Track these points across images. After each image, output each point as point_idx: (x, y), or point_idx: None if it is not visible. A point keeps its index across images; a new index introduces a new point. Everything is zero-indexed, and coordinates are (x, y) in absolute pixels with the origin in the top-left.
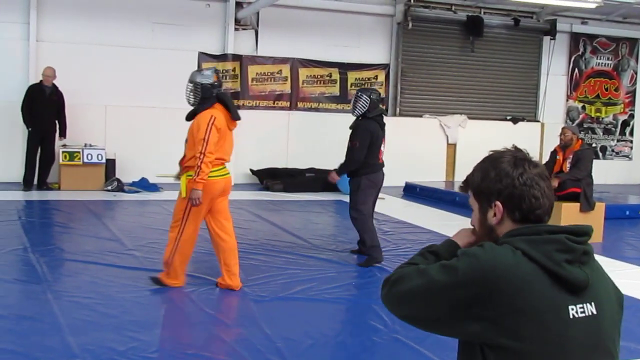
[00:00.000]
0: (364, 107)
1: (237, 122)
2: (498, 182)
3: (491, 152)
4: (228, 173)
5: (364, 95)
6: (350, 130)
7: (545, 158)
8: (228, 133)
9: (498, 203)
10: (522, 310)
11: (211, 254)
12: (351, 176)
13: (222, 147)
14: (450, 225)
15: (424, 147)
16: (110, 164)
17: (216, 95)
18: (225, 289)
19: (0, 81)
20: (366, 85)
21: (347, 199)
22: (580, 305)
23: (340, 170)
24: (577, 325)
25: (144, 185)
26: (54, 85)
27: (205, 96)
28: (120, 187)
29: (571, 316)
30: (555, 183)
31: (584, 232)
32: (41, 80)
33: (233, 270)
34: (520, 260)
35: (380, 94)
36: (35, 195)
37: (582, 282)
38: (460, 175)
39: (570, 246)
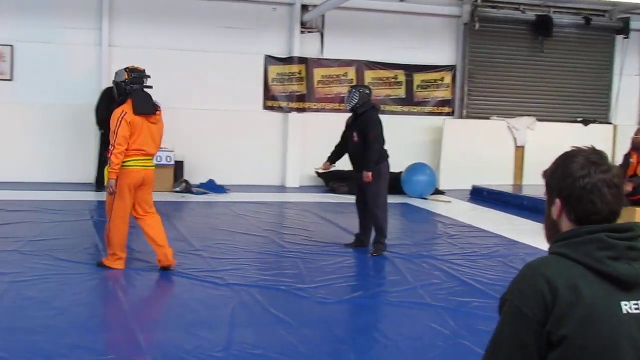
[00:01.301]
0: (354, 101)
1: (157, 115)
2: (562, 180)
3: (571, 149)
4: (149, 165)
5: (354, 90)
6: (349, 127)
7: (618, 161)
8: (146, 126)
9: (558, 201)
10: (575, 307)
11: (280, 257)
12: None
13: (137, 139)
14: (519, 229)
15: (492, 150)
16: (179, 166)
17: (130, 92)
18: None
19: (74, 85)
20: (432, 87)
21: (413, 202)
22: (635, 302)
23: (371, 166)
24: (632, 322)
25: (211, 187)
26: None
27: (120, 93)
28: (189, 189)
29: (624, 312)
30: (629, 187)
31: (627, 229)
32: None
33: (165, 247)
34: (566, 265)
35: (370, 89)
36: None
37: (631, 277)
38: (529, 179)
39: (611, 243)
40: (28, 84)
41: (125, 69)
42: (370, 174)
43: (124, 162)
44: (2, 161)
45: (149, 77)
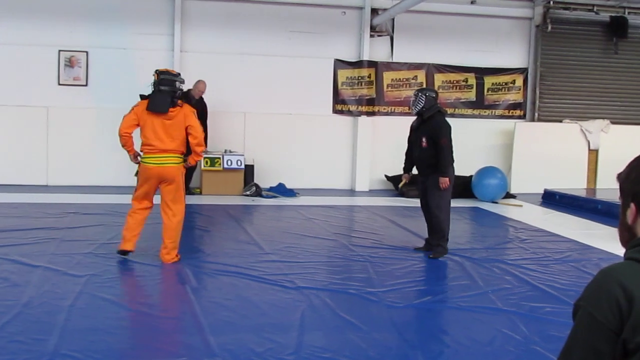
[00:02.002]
0: (421, 104)
1: (169, 112)
2: (636, 184)
3: None
4: (162, 162)
5: (420, 94)
6: (415, 131)
7: None
8: (157, 122)
9: (632, 205)
10: None
11: (350, 261)
12: (435, 173)
13: (147, 134)
14: (592, 234)
15: (564, 153)
16: (249, 170)
17: (154, 91)
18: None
19: (147, 90)
20: (503, 90)
21: (484, 205)
22: None
23: (447, 172)
24: None
25: (281, 190)
26: (200, 96)
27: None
28: (259, 192)
29: None
30: None
31: None
32: (189, 90)
33: (167, 245)
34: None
35: (437, 92)
36: None
37: None
38: (603, 183)
39: None
40: (102, 89)
41: (156, 71)
42: (447, 179)
43: (142, 157)
44: (77, 165)
45: (178, 78)
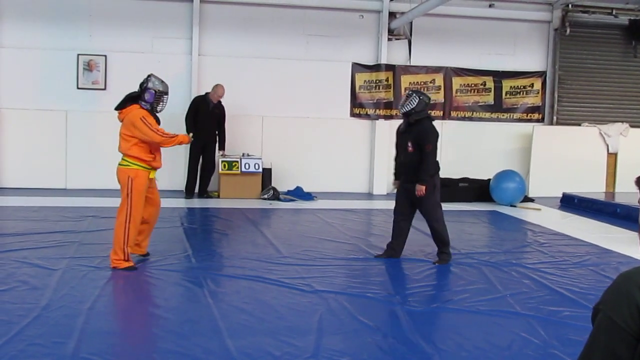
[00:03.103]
0: (411, 105)
1: (119, 112)
2: None
3: None
4: (119, 164)
5: (414, 94)
6: (402, 134)
7: None
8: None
9: None
10: None
11: (368, 264)
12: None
13: None
14: (611, 238)
15: (583, 157)
16: (266, 173)
17: None
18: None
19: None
20: (521, 93)
21: (502, 209)
22: None
23: (425, 180)
24: None
25: (298, 193)
26: (218, 100)
27: None
28: (276, 196)
29: None
30: None
31: None
32: (207, 93)
33: (140, 244)
34: None
35: (430, 98)
36: (196, 202)
37: None
38: (622, 186)
39: None
40: (120, 93)
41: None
42: (424, 187)
43: None
44: (96, 169)
45: (145, 79)
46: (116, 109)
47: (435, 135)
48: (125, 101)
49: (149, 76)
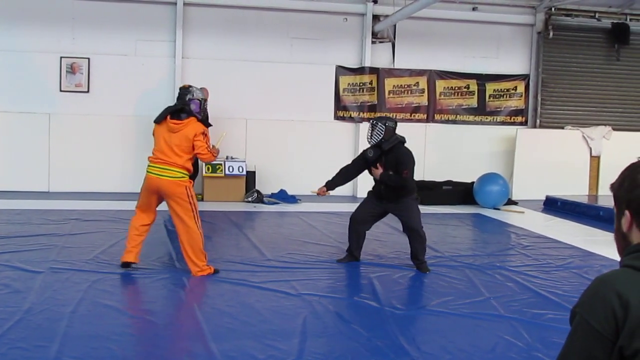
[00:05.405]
0: (380, 135)
1: (171, 123)
2: (630, 191)
3: (638, 159)
4: (162, 174)
5: (379, 124)
6: (373, 162)
7: None
8: (162, 134)
9: (627, 212)
10: None
11: (352, 267)
12: (403, 197)
13: (155, 145)
14: (594, 240)
15: (566, 160)
16: (250, 176)
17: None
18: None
19: (148, 96)
20: (504, 96)
21: (485, 212)
22: None
23: (395, 181)
24: None
25: (282, 196)
26: None
27: None
28: (260, 199)
29: None
30: None
31: None
32: None
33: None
34: (638, 278)
35: (396, 122)
36: None
37: None
38: (605, 189)
39: None
40: (103, 96)
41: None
42: (380, 172)
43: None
44: (79, 172)
45: (187, 91)
46: (156, 121)
47: (412, 161)
48: (169, 113)
49: (189, 87)
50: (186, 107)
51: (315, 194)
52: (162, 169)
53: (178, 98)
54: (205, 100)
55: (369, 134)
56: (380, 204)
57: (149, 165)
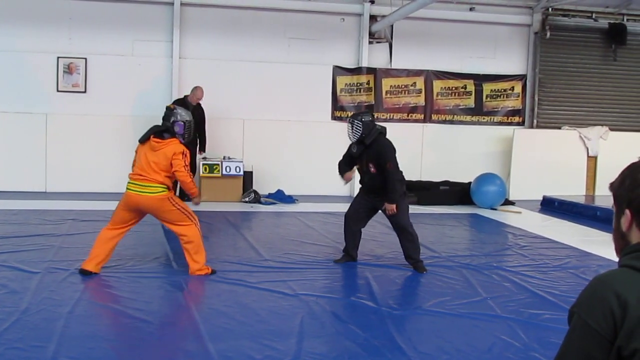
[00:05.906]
0: (359, 132)
1: (153, 142)
2: (630, 190)
3: (638, 159)
4: (143, 191)
5: (356, 121)
6: (358, 157)
7: None
8: (144, 152)
9: (627, 211)
10: None
11: (349, 267)
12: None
13: (137, 163)
14: (591, 241)
15: (563, 160)
16: (247, 176)
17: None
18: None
19: (145, 96)
20: (502, 97)
21: (483, 212)
22: None
23: (397, 198)
24: None
25: (279, 197)
26: (197, 102)
27: None
28: (257, 199)
29: None
30: None
31: None
32: (186, 96)
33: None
34: (636, 278)
35: (372, 115)
36: None
37: None
38: (602, 190)
39: None
40: (100, 96)
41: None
42: (394, 206)
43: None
44: (76, 172)
45: (172, 112)
46: (141, 141)
47: (392, 150)
48: (153, 133)
49: (174, 109)
50: (170, 128)
51: (344, 183)
52: (142, 186)
53: (163, 118)
54: (191, 121)
55: (350, 133)
56: (369, 198)
57: (128, 182)
